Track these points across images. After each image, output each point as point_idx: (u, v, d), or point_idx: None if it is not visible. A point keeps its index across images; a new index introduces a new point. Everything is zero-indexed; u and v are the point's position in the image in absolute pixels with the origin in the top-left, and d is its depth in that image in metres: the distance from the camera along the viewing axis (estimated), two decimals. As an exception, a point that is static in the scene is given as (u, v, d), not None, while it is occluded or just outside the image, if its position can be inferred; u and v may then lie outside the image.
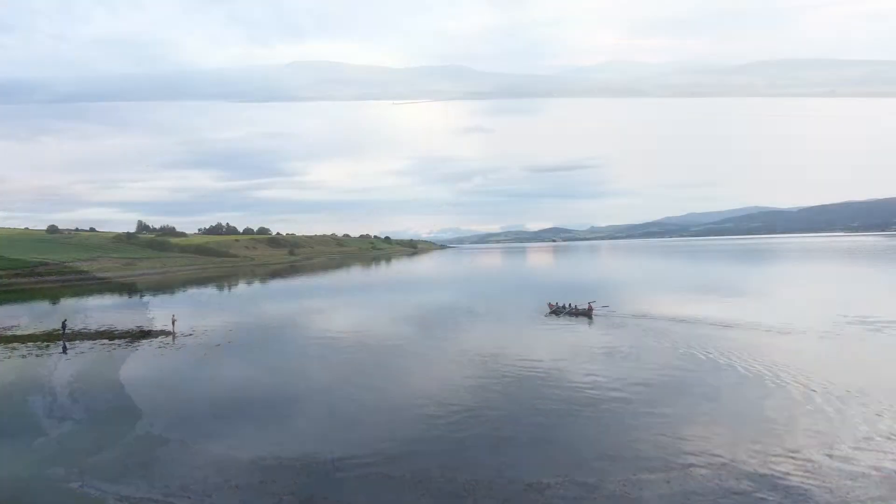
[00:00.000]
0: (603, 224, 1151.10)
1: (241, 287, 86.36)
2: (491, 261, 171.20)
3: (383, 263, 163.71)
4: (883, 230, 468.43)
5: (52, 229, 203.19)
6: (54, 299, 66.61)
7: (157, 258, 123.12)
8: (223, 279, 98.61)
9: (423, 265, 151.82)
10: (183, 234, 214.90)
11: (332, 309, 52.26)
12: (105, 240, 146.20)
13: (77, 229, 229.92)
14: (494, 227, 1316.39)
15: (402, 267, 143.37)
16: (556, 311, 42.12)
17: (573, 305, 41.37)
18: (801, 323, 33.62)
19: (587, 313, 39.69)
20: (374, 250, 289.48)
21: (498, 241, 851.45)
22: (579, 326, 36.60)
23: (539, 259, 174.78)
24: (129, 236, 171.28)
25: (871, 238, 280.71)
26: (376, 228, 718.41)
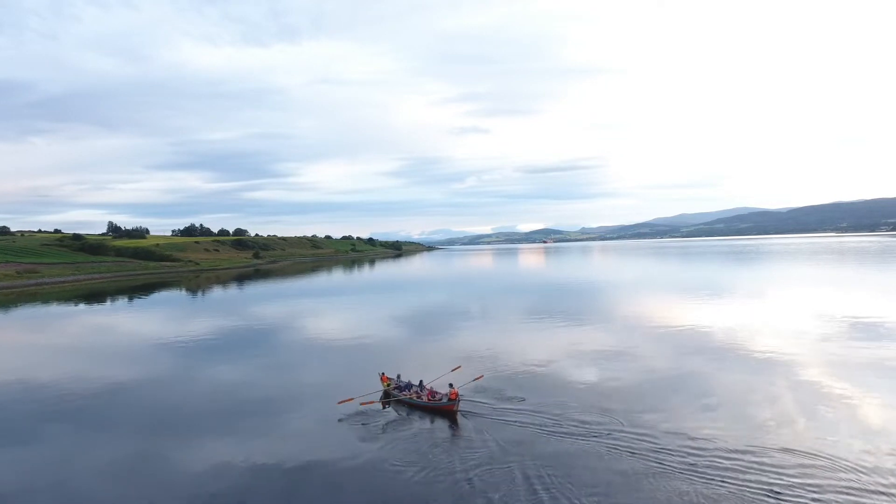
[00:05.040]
0: (594, 225, 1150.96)
1: (95, 306, 69.48)
2: (468, 264, 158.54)
3: (357, 267, 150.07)
4: (872, 230, 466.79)
5: (3, 230, 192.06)
6: None
7: (78, 263, 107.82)
8: (125, 292, 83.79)
9: (392, 270, 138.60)
10: (141, 237, 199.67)
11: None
12: (37, 243, 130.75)
13: (40, 230, 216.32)
14: (486, 229, 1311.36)
15: (373, 271, 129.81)
16: (394, 391, 21.88)
17: (423, 387, 21.49)
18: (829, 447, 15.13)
19: (448, 410, 19.44)
20: (354, 252, 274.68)
21: (489, 243, 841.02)
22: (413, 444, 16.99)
23: (520, 262, 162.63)
24: (75, 237, 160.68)
25: (873, 238, 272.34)
26: (367, 230, 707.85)
